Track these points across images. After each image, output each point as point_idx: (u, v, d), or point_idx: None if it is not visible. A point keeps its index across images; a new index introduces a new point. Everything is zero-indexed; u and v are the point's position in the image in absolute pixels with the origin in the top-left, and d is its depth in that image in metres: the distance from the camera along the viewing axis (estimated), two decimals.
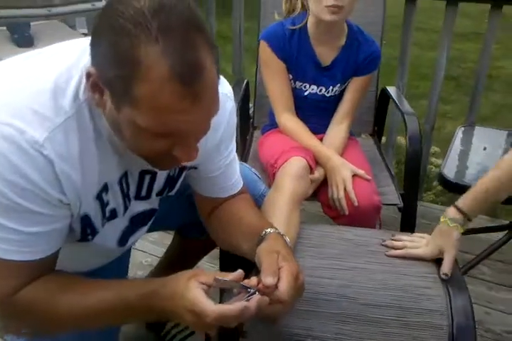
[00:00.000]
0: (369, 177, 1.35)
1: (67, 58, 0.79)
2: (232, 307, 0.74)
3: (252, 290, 0.78)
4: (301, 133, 1.44)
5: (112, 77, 0.67)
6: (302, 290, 0.87)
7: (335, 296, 0.99)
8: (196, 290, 0.76)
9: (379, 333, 0.94)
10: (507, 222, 1.80)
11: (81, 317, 0.82)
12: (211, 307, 0.74)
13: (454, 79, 4.60)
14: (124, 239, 1.01)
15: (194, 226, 1.20)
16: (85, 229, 0.88)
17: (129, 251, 1.25)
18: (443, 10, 1.88)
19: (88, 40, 0.77)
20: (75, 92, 0.76)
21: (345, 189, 1.31)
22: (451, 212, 1.02)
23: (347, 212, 1.31)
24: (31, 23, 2.26)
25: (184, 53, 0.66)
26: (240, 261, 0.97)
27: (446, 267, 1.02)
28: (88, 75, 0.71)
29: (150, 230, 1.12)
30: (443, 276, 1.02)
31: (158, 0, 0.67)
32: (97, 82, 0.70)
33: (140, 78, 0.65)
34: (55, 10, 1.99)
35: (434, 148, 2.54)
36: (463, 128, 1.69)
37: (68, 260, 0.87)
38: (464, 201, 1.01)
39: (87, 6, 2.08)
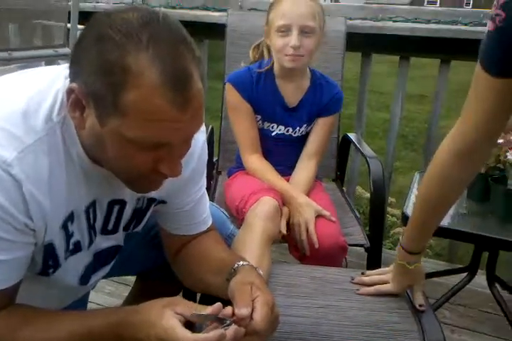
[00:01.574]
0: (334, 218, 1.36)
1: (39, 82, 0.78)
2: (209, 335, 0.70)
3: (227, 322, 0.75)
4: (267, 174, 1.46)
5: (99, 88, 0.67)
6: (277, 323, 0.84)
7: (308, 335, 0.97)
8: (171, 319, 0.72)
9: None
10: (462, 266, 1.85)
11: None
12: (187, 335, 0.70)
13: (403, 136, 4.86)
14: (86, 276, 0.95)
15: (158, 270, 1.16)
16: (47, 261, 0.83)
17: (86, 300, 1.18)
18: (389, 74, 2.00)
19: (61, 67, 0.77)
20: (47, 114, 0.75)
21: (307, 230, 1.31)
22: (403, 255, 1.01)
23: (308, 254, 1.31)
24: None
25: (174, 61, 0.67)
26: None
27: (419, 298, 1.03)
28: (70, 92, 0.70)
29: (111, 274, 1.06)
30: (420, 308, 1.02)
31: (146, 13, 0.69)
32: (80, 97, 0.70)
33: (129, 85, 0.66)
34: (15, 54, 1.98)
35: (390, 199, 2.61)
36: (418, 174, 1.76)
37: (24, 299, 0.81)
38: (407, 241, 1.01)
39: (50, 51, 2.08)
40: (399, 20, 2.00)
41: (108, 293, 1.77)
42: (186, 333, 0.71)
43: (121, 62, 0.66)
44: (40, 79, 0.79)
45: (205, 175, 1.03)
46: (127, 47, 0.66)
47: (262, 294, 0.81)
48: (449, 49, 1.90)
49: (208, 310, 0.75)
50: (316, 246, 1.28)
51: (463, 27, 1.92)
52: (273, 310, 0.81)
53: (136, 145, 0.70)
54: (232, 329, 0.73)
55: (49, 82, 0.78)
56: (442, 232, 1.35)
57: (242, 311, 0.77)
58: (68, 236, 0.84)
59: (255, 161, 1.49)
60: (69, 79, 0.72)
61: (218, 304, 0.76)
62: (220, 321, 0.75)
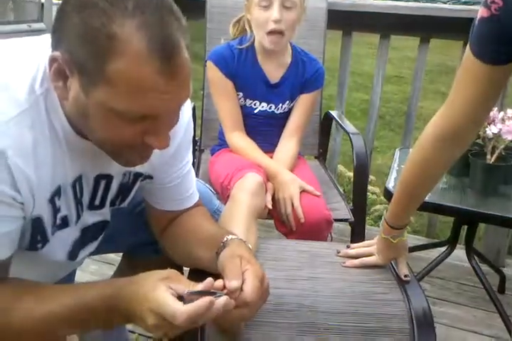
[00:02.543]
0: (318, 193, 1.37)
1: (20, 53, 0.76)
2: (200, 302, 0.69)
3: (218, 294, 0.76)
4: (250, 151, 1.45)
5: (83, 57, 0.65)
6: (267, 295, 0.85)
7: (295, 306, 0.98)
8: (165, 293, 0.72)
9: None
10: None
11: (41, 325, 0.75)
12: (180, 309, 0.70)
13: (380, 117, 4.90)
14: (74, 251, 0.95)
15: (146, 246, 1.15)
16: (36, 235, 0.82)
17: (73, 278, 1.17)
18: (367, 55, 2.00)
19: (43, 37, 0.75)
20: (30, 86, 0.73)
21: (293, 205, 1.32)
22: (388, 230, 1.02)
23: (294, 228, 1.32)
24: None
25: (161, 29, 0.65)
26: None
27: (404, 269, 1.04)
28: (52, 60, 0.68)
29: (99, 250, 1.06)
30: (404, 278, 1.04)
31: None
32: (63, 66, 0.68)
33: (116, 53, 0.64)
34: None
35: (370, 177, 2.65)
36: (399, 151, 1.78)
37: (14, 275, 0.80)
38: (391, 217, 1.02)
39: (23, 26, 2.01)
40: None
41: (92, 272, 1.77)
42: (179, 305, 0.71)
43: (106, 30, 0.64)
44: (20, 49, 0.77)
45: (191, 150, 1.02)
46: (112, 14, 0.64)
47: (251, 267, 0.82)
48: (428, 27, 1.92)
49: (200, 286, 0.75)
50: (302, 220, 1.30)
51: (442, 5, 1.94)
52: (263, 283, 0.82)
53: (122, 117, 0.68)
54: (222, 299, 0.73)
55: (30, 52, 0.76)
56: (423, 206, 1.37)
57: (233, 283, 0.77)
58: (55, 210, 0.83)
59: (238, 138, 1.49)
60: (51, 48, 0.70)
61: (209, 279, 0.76)
62: (212, 295, 0.75)
